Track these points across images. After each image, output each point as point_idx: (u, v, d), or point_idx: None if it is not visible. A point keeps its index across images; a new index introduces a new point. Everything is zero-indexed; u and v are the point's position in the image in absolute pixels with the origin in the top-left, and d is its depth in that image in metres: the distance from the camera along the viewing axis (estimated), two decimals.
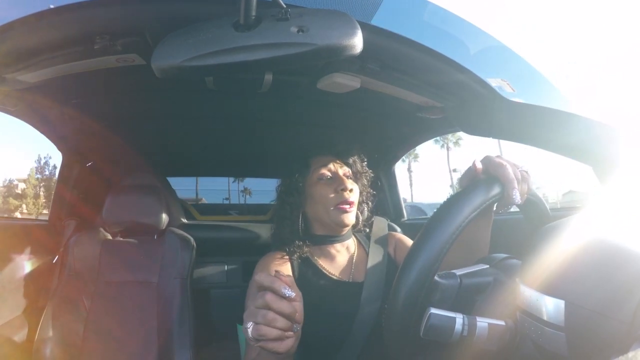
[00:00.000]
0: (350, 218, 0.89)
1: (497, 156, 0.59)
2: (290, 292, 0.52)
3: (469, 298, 0.51)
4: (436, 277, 0.50)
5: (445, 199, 0.53)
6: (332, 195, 0.89)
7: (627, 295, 0.35)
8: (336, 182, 0.90)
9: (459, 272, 0.54)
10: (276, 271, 0.54)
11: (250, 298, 0.85)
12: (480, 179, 0.55)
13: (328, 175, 0.91)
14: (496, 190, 0.53)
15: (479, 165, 0.58)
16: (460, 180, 0.63)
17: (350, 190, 0.89)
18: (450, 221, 0.48)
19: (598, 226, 0.42)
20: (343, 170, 0.93)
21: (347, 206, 0.88)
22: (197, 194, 2.06)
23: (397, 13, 0.71)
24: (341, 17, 0.51)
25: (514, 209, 0.61)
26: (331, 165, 0.92)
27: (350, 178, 0.93)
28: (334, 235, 0.93)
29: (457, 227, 0.48)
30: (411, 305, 0.47)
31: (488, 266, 0.56)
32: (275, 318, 0.50)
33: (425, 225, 0.50)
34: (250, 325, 0.52)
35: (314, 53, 0.49)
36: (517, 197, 0.54)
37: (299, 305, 0.53)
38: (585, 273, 0.38)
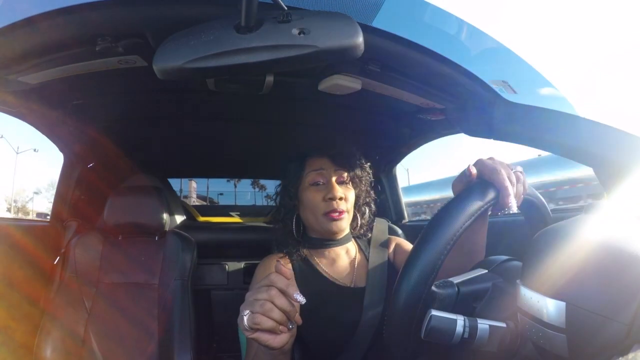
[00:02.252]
0: (339, 226, 0.88)
1: (490, 158, 0.58)
2: (301, 298, 0.53)
3: (467, 306, 0.51)
4: (433, 287, 0.50)
5: (441, 207, 0.52)
6: (321, 203, 0.87)
7: (628, 297, 0.35)
8: (327, 189, 0.88)
9: (456, 279, 0.53)
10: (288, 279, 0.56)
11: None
12: (474, 186, 0.54)
13: (320, 181, 0.89)
14: (491, 196, 0.52)
15: (474, 171, 0.57)
16: (453, 185, 0.61)
17: (341, 199, 0.87)
18: (445, 232, 0.48)
19: (599, 228, 0.42)
20: (337, 175, 0.90)
21: (336, 214, 0.86)
22: (234, 199, 2.12)
23: (398, 15, 0.71)
24: (342, 19, 0.51)
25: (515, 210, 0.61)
26: (325, 170, 0.90)
27: (346, 183, 0.91)
28: (330, 239, 0.92)
29: (451, 237, 0.48)
30: (409, 318, 0.47)
31: (486, 271, 0.56)
32: (272, 308, 0.52)
33: (420, 235, 0.50)
34: (246, 313, 0.52)
35: (315, 55, 0.49)
36: (514, 205, 0.53)
37: (298, 307, 0.55)
38: (587, 275, 0.39)
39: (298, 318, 0.55)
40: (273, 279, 0.54)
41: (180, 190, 2.06)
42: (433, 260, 0.47)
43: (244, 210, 2.04)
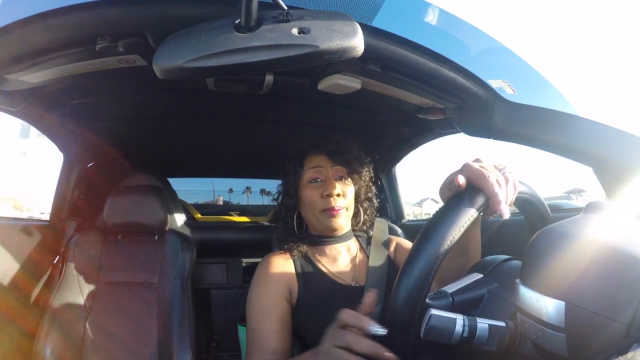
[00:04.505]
0: (338, 222, 0.88)
1: (476, 160, 0.54)
2: (380, 330, 0.47)
3: (463, 314, 0.50)
4: (428, 300, 0.49)
5: (431, 217, 0.51)
6: (319, 200, 0.87)
7: (627, 296, 0.35)
8: (324, 185, 0.88)
9: (450, 288, 0.53)
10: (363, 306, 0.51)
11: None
12: (464, 194, 0.52)
13: (318, 178, 0.90)
14: (481, 204, 0.50)
15: (462, 181, 0.52)
16: (441, 191, 0.57)
17: (339, 195, 0.87)
18: (434, 246, 0.47)
19: (599, 228, 0.42)
20: (335, 172, 0.90)
21: (334, 211, 0.87)
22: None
23: (398, 14, 0.71)
24: (342, 19, 0.51)
25: (514, 210, 0.61)
26: (322, 167, 0.90)
27: (344, 179, 0.91)
28: (330, 236, 0.92)
29: (442, 251, 0.47)
30: (408, 323, 0.46)
31: (481, 275, 0.55)
32: (351, 357, 0.48)
33: (411, 248, 0.49)
34: None
35: (315, 55, 0.49)
36: (506, 211, 0.50)
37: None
38: (586, 274, 0.39)
39: (389, 356, 0.47)
40: (341, 317, 0.50)
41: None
42: (424, 275, 0.46)
43: (243, 210, 2.04)
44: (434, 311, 0.46)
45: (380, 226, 1.03)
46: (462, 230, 0.48)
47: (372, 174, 0.98)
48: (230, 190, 2.15)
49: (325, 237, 0.92)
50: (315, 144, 0.94)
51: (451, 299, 0.51)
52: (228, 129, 1.42)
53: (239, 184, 2.15)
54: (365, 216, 0.97)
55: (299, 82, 0.90)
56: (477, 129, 0.84)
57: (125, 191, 1.41)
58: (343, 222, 0.89)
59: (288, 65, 0.51)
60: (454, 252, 0.64)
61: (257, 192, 2.14)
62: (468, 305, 0.52)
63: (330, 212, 0.87)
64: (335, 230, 0.89)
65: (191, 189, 2.05)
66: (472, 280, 0.55)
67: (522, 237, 0.57)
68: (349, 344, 0.48)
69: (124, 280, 1.29)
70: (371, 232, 1.00)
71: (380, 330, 0.47)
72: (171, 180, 1.78)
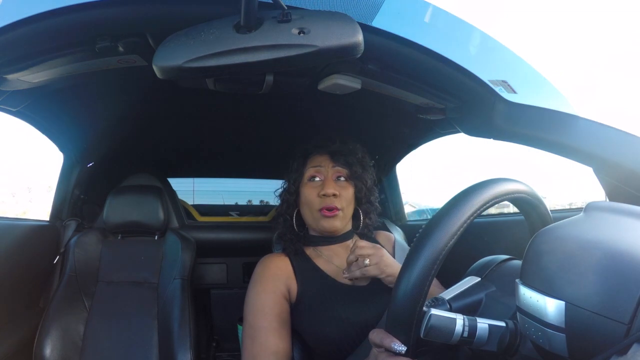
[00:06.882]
0: (333, 223, 0.88)
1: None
2: (400, 347, 0.47)
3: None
4: (425, 308, 0.49)
5: (431, 218, 0.51)
6: (316, 199, 0.88)
7: (628, 297, 0.35)
8: (322, 185, 0.89)
9: (447, 295, 0.53)
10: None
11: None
12: (463, 193, 0.50)
13: (317, 177, 0.90)
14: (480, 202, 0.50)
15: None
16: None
17: (335, 195, 0.87)
18: (437, 243, 0.46)
19: (599, 228, 0.42)
20: (334, 172, 0.91)
21: (329, 212, 0.87)
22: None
23: (398, 14, 0.71)
24: (342, 19, 0.51)
25: (514, 209, 0.61)
26: (322, 167, 0.91)
27: (345, 180, 0.91)
28: (328, 236, 0.92)
29: (445, 247, 0.46)
30: (408, 324, 0.46)
31: (479, 279, 0.55)
32: None
33: (412, 246, 0.49)
34: None
35: (315, 55, 0.49)
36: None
37: None
38: (586, 274, 0.39)
39: None
40: (371, 338, 0.50)
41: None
42: (423, 275, 0.45)
43: (243, 210, 2.04)
44: (434, 311, 0.46)
45: (385, 234, 1.04)
46: (462, 230, 0.48)
47: (375, 177, 0.98)
48: (236, 204, 2.16)
49: (323, 237, 0.93)
50: (319, 143, 0.95)
51: (448, 305, 0.51)
52: (228, 129, 1.42)
53: (240, 186, 2.15)
54: (367, 219, 0.96)
55: (299, 82, 0.90)
56: (477, 128, 0.84)
57: (126, 191, 1.41)
58: (337, 223, 0.89)
59: (288, 65, 0.51)
60: None
61: (256, 202, 2.15)
62: (466, 310, 0.52)
63: (324, 211, 0.87)
64: (328, 231, 0.89)
65: (192, 189, 2.05)
66: (470, 284, 0.55)
67: (522, 237, 0.57)
68: None
69: (124, 280, 1.29)
70: (373, 235, 0.99)
71: (401, 347, 0.47)
72: (172, 180, 1.79)
